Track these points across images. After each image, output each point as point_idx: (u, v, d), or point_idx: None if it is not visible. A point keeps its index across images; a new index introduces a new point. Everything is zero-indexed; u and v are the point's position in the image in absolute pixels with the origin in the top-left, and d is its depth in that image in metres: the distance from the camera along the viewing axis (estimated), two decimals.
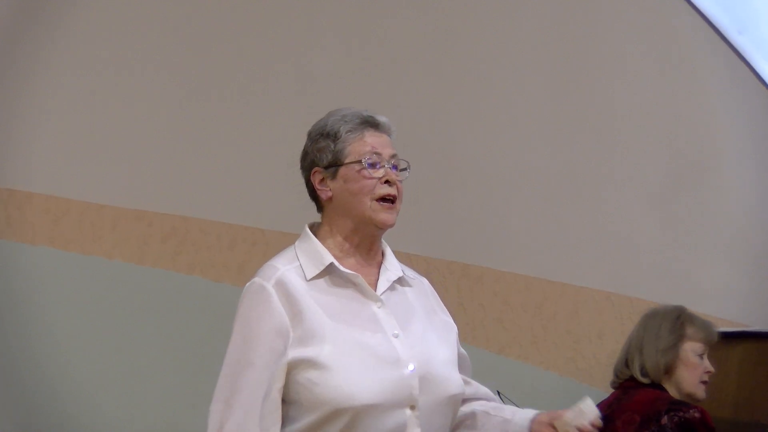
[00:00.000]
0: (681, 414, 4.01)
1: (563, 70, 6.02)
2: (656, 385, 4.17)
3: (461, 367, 3.18)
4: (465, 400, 3.21)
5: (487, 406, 3.22)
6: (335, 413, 2.87)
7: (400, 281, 3.12)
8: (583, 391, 5.65)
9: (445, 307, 3.22)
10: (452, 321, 3.20)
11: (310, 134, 3.15)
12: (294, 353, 2.91)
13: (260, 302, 2.96)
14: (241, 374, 2.93)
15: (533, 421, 3.11)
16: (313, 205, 5.38)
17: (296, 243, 3.10)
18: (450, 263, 5.53)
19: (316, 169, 3.10)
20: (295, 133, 5.43)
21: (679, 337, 4.22)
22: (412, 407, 2.93)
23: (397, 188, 3.04)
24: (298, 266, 3.02)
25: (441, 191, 5.68)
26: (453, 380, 3.05)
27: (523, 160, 5.85)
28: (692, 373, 4.20)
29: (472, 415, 3.19)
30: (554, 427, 3.08)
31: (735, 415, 4.81)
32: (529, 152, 5.87)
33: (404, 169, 3.09)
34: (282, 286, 2.97)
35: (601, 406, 4.18)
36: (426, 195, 5.57)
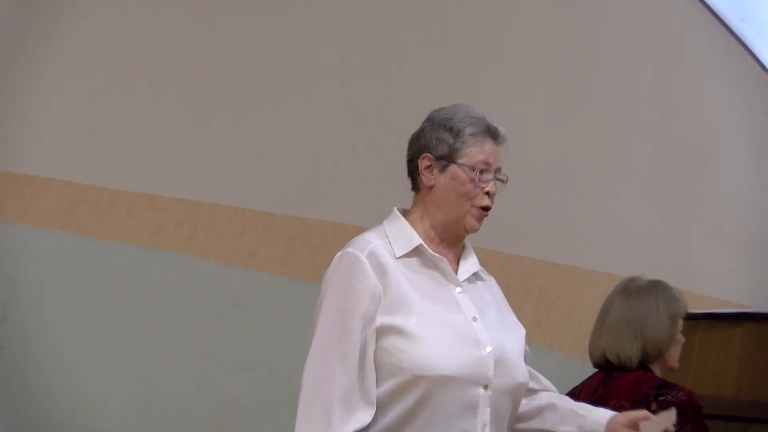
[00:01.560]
0: (669, 398, 3.90)
1: (564, 60, 6.03)
2: (644, 366, 4.05)
3: (526, 362, 3.24)
4: (533, 391, 3.26)
5: (561, 400, 3.27)
6: (414, 380, 2.91)
7: (476, 276, 3.18)
8: (586, 372, 5.67)
9: (510, 308, 3.28)
10: (519, 324, 3.25)
11: (432, 120, 3.15)
12: (382, 319, 2.95)
13: (355, 270, 2.99)
14: (340, 340, 2.95)
15: (610, 422, 3.17)
16: (324, 192, 5.46)
17: (385, 223, 3.13)
18: None
19: (426, 154, 3.09)
20: (306, 120, 5.50)
21: (675, 318, 4.10)
22: (486, 387, 2.97)
23: (492, 200, 3.12)
24: (388, 243, 3.06)
25: None
26: (522, 369, 3.09)
27: (528, 148, 5.85)
28: (678, 349, 4.12)
29: (549, 407, 3.25)
30: (630, 427, 3.15)
31: (737, 395, 4.79)
32: (533, 140, 5.87)
33: (504, 181, 3.16)
34: (374, 257, 3.00)
35: (585, 390, 4.17)
36: None
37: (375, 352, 2.95)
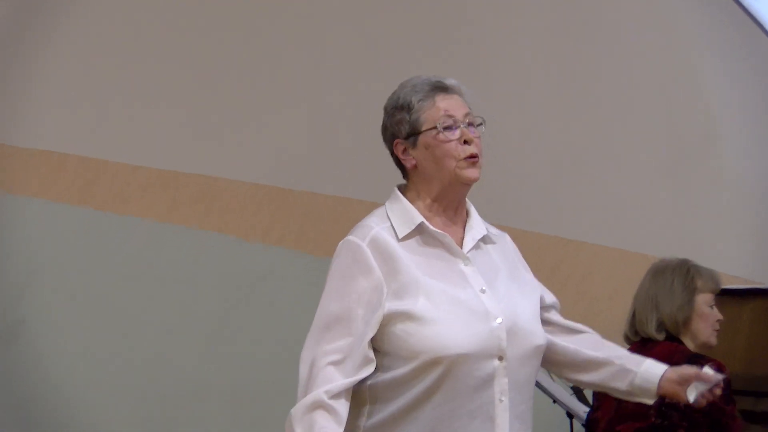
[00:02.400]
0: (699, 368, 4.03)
1: (577, 38, 6.00)
2: (673, 338, 4.15)
3: (556, 312, 3.20)
4: (577, 334, 3.20)
5: (611, 352, 3.18)
6: (430, 363, 2.91)
7: (484, 239, 3.13)
8: None
9: (526, 263, 3.23)
10: (534, 279, 3.21)
11: (386, 109, 3.11)
12: (390, 306, 2.94)
13: (356, 260, 2.98)
14: (335, 325, 2.95)
15: (663, 378, 3.12)
16: (338, 169, 5.47)
17: (386, 204, 3.09)
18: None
19: (397, 141, 3.07)
20: (321, 98, 5.51)
21: (692, 291, 4.18)
22: (501, 358, 2.96)
23: (476, 145, 3.05)
24: (390, 226, 3.04)
25: None
26: (537, 333, 3.05)
27: (541, 126, 5.85)
28: (706, 323, 4.19)
29: (599, 362, 3.17)
30: (683, 386, 3.10)
31: (747, 369, 4.80)
32: (546, 119, 5.86)
33: (480, 125, 3.10)
34: (376, 244, 2.99)
35: None
36: None
37: (386, 339, 2.95)
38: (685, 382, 3.09)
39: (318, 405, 2.88)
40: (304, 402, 2.90)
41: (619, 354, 3.18)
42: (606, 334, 5.70)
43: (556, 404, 5.03)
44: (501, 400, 2.96)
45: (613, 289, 5.89)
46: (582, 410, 4.97)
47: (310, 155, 5.49)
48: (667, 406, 3.97)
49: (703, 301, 4.23)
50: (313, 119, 5.49)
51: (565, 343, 3.19)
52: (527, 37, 5.92)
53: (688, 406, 3.92)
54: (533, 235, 5.78)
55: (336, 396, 2.90)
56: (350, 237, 3.02)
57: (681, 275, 4.21)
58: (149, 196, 5.32)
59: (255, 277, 5.41)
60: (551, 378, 4.99)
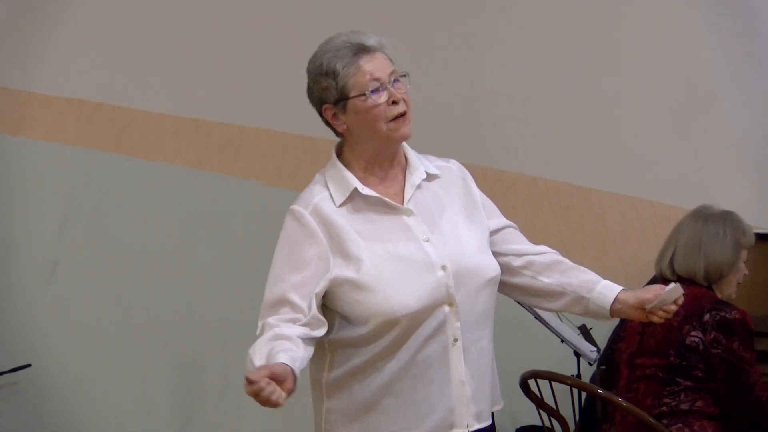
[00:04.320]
0: (723, 314, 4.01)
1: None
2: (702, 286, 4.15)
3: (512, 236, 3.17)
4: (531, 259, 3.17)
5: (560, 278, 3.14)
6: (382, 326, 2.92)
7: (429, 178, 3.10)
8: None
9: (472, 180, 3.18)
10: (478, 196, 3.16)
11: (309, 73, 3.09)
12: (337, 272, 2.94)
13: (300, 227, 2.99)
14: (285, 292, 2.95)
15: (617, 300, 3.08)
16: None
17: (325, 169, 3.09)
18: (485, 169, 5.53)
19: (325, 106, 3.04)
20: None
21: (739, 246, 4.18)
22: (450, 304, 2.97)
23: (405, 101, 3.01)
24: (328, 195, 3.02)
25: (478, 103, 5.67)
26: (487, 265, 3.05)
27: (554, 77, 5.78)
28: (737, 276, 4.20)
29: (554, 290, 3.14)
30: (638, 306, 3.06)
31: (749, 309, 4.75)
32: (559, 70, 5.78)
33: (403, 76, 3.03)
34: (318, 213, 2.98)
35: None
36: (464, 107, 5.56)
37: (340, 305, 2.95)
38: (643, 305, 3.05)
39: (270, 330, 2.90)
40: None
41: (571, 281, 3.12)
42: (619, 273, 5.75)
43: (564, 344, 5.08)
44: (454, 343, 2.97)
45: (624, 231, 5.89)
46: (589, 349, 5.02)
47: None
48: (687, 348, 4.01)
49: (743, 256, 4.24)
50: None
51: (518, 278, 3.16)
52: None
53: (706, 348, 4.00)
54: (545, 181, 5.78)
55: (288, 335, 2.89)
56: (294, 206, 3.03)
57: (732, 227, 4.19)
58: (178, 144, 5.33)
59: (280, 220, 5.44)
60: (560, 319, 5.04)
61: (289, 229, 3.02)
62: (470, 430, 3.02)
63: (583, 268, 3.18)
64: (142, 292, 5.30)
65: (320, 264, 2.94)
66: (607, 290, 3.11)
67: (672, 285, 3.07)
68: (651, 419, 3.93)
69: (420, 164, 3.11)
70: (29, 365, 5.04)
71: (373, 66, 2.99)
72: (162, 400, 5.32)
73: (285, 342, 2.86)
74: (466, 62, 5.62)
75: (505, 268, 3.13)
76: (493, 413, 3.14)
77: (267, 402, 2.78)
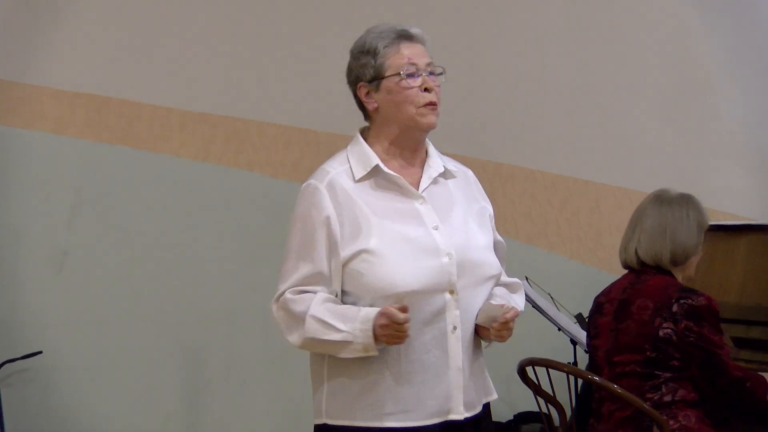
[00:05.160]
0: (690, 301, 3.99)
1: None
2: (665, 271, 4.12)
3: (496, 252, 3.20)
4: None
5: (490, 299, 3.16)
6: (382, 300, 2.94)
7: (444, 174, 3.14)
8: (602, 278, 5.71)
9: (486, 196, 3.24)
10: (489, 206, 3.23)
11: (351, 52, 3.14)
12: (345, 246, 2.97)
13: (315, 201, 3.02)
14: (306, 262, 3.00)
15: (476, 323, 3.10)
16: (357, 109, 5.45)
17: (348, 146, 3.14)
18: (484, 162, 5.55)
19: (360, 84, 3.10)
20: (347, 41, 5.49)
21: (702, 227, 4.15)
22: (451, 291, 2.99)
23: (436, 93, 3.06)
24: (348, 168, 3.06)
25: (477, 98, 5.68)
26: (490, 263, 3.10)
27: (551, 71, 5.82)
28: (698, 258, 4.17)
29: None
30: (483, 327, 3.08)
31: (740, 299, 4.82)
32: (555, 64, 5.83)
33: (440, 74, 3.09)
34: (332, 187, 3.02)
35: (615, 289, 4.25)
36: (463, 102, 5.57)
37: (345, 277, 2.98)
38: (484, 323, 3.05)
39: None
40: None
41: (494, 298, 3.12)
42: (614, 263, 5.75)
43: (560, 332, 5.10)
44: (453, 331, 3.00)
45: (619, 222, 5.89)
46: (585, 337, 5.04)
47: (335, 99, 5.46)
48: (662, 340, 4.00)
49: (704, 237, 4.25)
50: (340, 67, 5.48)
51: None
52: None
53: (680, 338, 4.01)
54: (542, 173, 5.81)
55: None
56: (310, 180, 3.07)
57: (694, 210, 4.14)
58: (185, 136, 5.34)
59: (284, 210, 5.37)
60: (556, 308, 5.07)
61: (302, 204, 3.06)
62: (458, 419, 3.04)
63: (516, 297, 3.21)
64: (149, 281, 5.31)
65: (330, 237, 2.98)
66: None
67: (488, 304, 3.06)
68: (646, 405, 3.93)
69: (439, 159, 3.15)
70: (40, 352, 5.06)
71: (412, 52, 3.06)
72: (168, 386, 5.34)
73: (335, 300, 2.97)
74: (465, 56, 5.62)
75: None
76: (489, 405, 3.17)
77: (402, 335, 2.86)
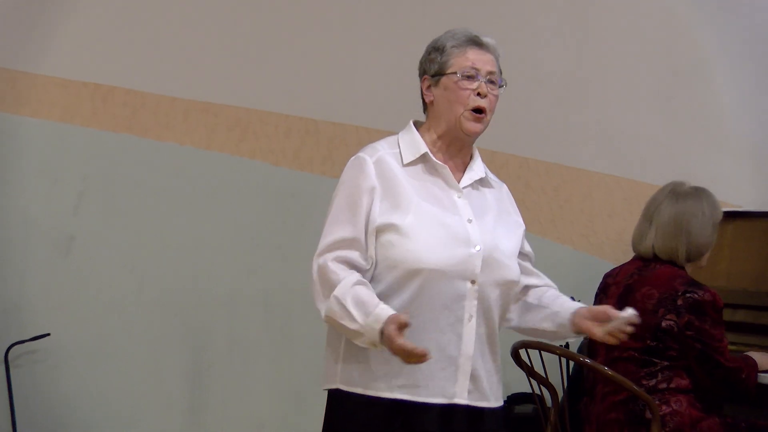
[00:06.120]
0: (695, 296, 4.04)
1: None
2: (674, 262, 4.15)
3: (528, 262, 3.31)
4: (530, 288, 3.33)
5: (546, 298, 3.30)
6: (408, 274, 3.02)
7: (483, 182, 3.23)
8: (594, 264, 5.73)
9: (518, 210, 3.32)
10: (521, 221, 3.31)
11: (426, 48, 3.22)
12: (382, 218, 3.04)
13: (362, 171, 3.10)
14: (346, 226, 3.06)
15: (574, 314, 3.21)
16: (361, 100, 5.46)
17: (400, 133, 3.21)
18: (480, 151, 5.57)
19: (425, 77, 3.18)
20: (347, 33, 5.48)
21: (716, 224, 4.18)
22: (473, 282, 3.06)
23: (489, 101, 3.13)
24: (398, 152, 3.14)
25: None
26: (512, 268, 3.16)
27: (544, 61, 5.83)
28: (710, 252, 4.22)
29: (536, 307, 3.29)
30: (594, 320, 3.16)
31: (727, 283, 4.86)
32: (548, 54, 5.84)
33: (501, 86, 3.17)
34: (380, 164, 3.10)
35: (623, 273, 4.26)
36: None
37: (375, 248, 3.05)
38: (596, 318, 3.15)
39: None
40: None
41: (549, 301, 3.26)
42: (605, 248, 5.76)
43: None
44: (469, 320, 3.06)
45: (610, 209, 5.92)
46: None
47: (336, 88, 5.50)
48: (663, 331, 4.05)
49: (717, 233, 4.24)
50: (342, 57, 5.48)
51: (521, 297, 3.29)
52: None
53: (681, 331, 4.03)
54: (536, 161, 5.83)
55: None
56: (360, 154, 3.14)
57: (709, 206, 4.17)
58: (188, 125, 5.34)
59: (284, 198, 5.46)
60: None
61: (350, 173, 3.12)
62: (461, 403, 3.10)
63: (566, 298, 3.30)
64: (153, 265, 5.31)
65: (372, 208, 3.05)
66: (569, 306, 3.25)
67: (628, 312, 3.13)
68: (635, 387, 3.96)
69: (482, 167, 3.24)
70: (48, 334, 5.07)
71: (477, 57, 3.13)
72: (172, 368, 5.34)
73: (367, 287, 3.00)
74: None
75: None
76: (497, 412, 3.21)
77: (420, 356, 2.89)
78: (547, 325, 3.27)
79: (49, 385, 5.12)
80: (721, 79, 6.01)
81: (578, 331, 3.21)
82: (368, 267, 3.06)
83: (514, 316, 3.32)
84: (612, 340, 3.14)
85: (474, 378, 3.10)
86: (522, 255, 3.30)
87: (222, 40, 5.38)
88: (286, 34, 5.45)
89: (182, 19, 5.33)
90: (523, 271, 3.29)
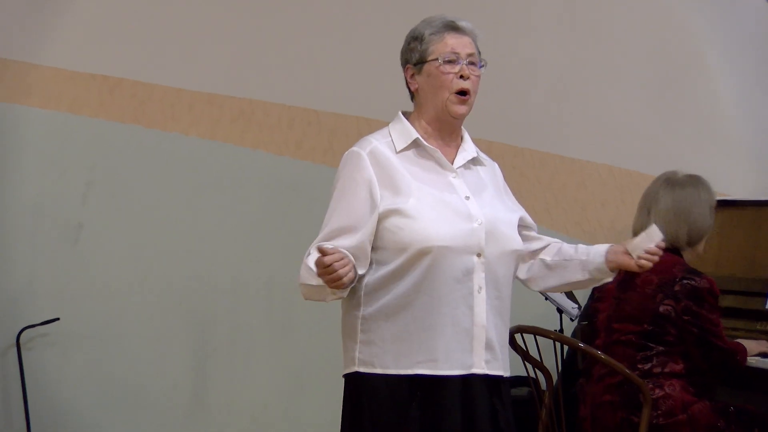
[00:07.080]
0: (693, 283, 4.06)
1: None
2: (674, 250, 4.16)
3: (532, 231, 3.36)
4: (540, 250, 3.37)
5: (564, 253, 3.34)
6: (418, 254, 3.06)
7: (475, 161, 3.28)
8: None
9: (510, 191, 3.37)
10: (518, 205, 3.35)
11: (406, 38, 3.26)
12: (384, 205, 3.08)
13: (357, 165, 3.14)
14: (341, 228, 3.10)
15: (608, 252, 3.27)
16: (360, 88, 5.46)
17: (390, 124, 3.25)
18: (476, 141, 5.58)
19: (408, 66, 3.22)
20: (348, 28, 5.46)
21: (713, 208, 4.20)
22: (479, 255, 3.10)
23: (472, 82, 3.17)
24: (390, 141, 3.19)
25: None
26: (515, 238, 3.21)
27: (540, 55, 5.85)
28: (708, 236, 4.24)
29: (560, 265, 3.33)
30: (628, 253, 3.23)
31: (716, 270, 4.88)
32: (544, 46, 5.85)
33: (482, 66, 3.21)
34: (374, 155, 3.14)
35: None
36: None
37: (379, 235, 3.09)
38: (628, 245, 3.22)
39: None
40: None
41: (571, 253, 3.31)
42: (599, 237, 5.77)
43: (547, 301, 5.15)
44: (479, 291, 3.10)
45: (604, 198, 5.93)
46: (570, 306, 5.07)
47: (337, 80, 5.51)
48: (661, 316, 4.06)
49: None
50: (343, 50, 5.49)
51: (535, 260, 3.34)
52: None
53: (678, 315, 4.06)
54: (531, 151, 5.84)
55: None
56: (353, 148, 3.17)
57: (705, 191, 4.18)
58: (193, 116, 5.36)
59: (287, 187, 5.47)
60: None
61: (345, 168, 3.16)
62: (479, 372, 3.14)
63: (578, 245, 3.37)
64: (159, 253, 5.33)
65: (371, 200, 3.09)
66: (599, 248, 3.30)
67: (649, 228, 3.21)
68: (628, 371, 3.97)
69: (473, 147, 3.28)
70: (58, 319, 5.11)
71: (456, 42, 3.17)
72: (177, 352, 5.36)
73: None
74: None
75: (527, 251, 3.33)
76: (507, 383, 3.25)
77: (338, 278, 2.92)
78: (579, 276, 3.31)
79: (59, 368, 5.15)
80: (714, 71, 6.01)
81: (616, 268, 3.27)
82: (361, 255, 3.09)
83: (536, 279, 3.37)
84: (645, 264, 3.20)
85: (489, 347, 3.15)
86: (525, 227, 3.34)
87: (226, 34, 5.39)
88: (288, 27, 5.46)
89: (188, 13, 5.34)
90: (528, 239, 3.34)
